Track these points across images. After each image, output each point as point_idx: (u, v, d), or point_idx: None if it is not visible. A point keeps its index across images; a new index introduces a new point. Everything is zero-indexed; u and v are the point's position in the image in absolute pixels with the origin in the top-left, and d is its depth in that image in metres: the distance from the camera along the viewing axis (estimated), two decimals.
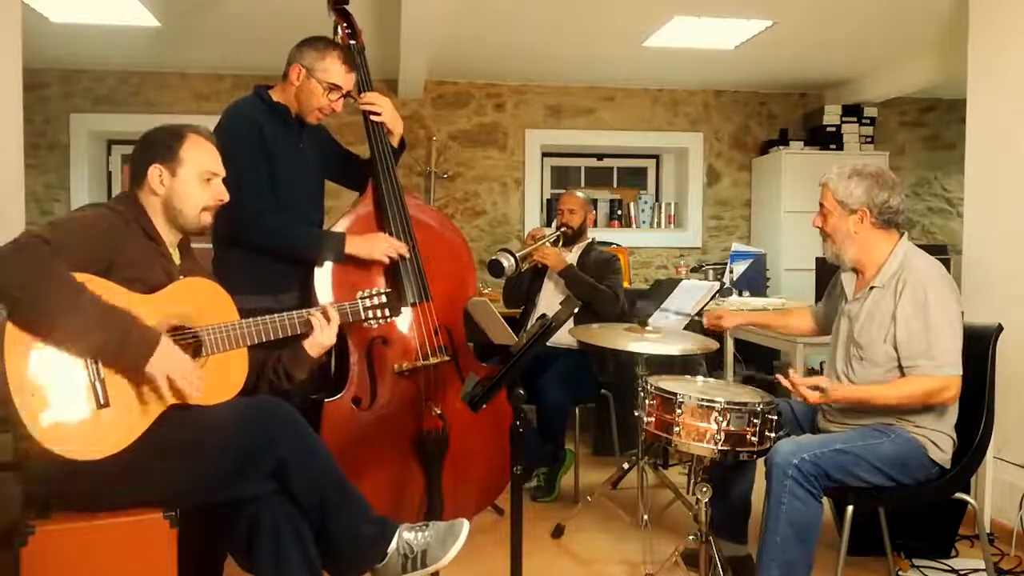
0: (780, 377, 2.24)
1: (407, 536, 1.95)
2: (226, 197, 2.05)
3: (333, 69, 2.56)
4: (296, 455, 1.88)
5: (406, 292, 2.66)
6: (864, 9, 4.03)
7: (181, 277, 1.97)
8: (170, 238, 2.00)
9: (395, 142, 2.80)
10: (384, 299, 2.20)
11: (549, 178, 6.08)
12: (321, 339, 2.10)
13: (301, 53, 2.58)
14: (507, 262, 3.29)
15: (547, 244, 3.60)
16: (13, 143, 2.89)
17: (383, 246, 2.62)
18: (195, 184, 1.98)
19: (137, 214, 1.94)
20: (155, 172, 1.95)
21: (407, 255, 2.66)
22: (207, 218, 2.02)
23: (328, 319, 2.11)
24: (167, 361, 1.77)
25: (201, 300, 1.96)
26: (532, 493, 3.53)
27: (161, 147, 1.97)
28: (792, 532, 2.15)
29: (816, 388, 2.20)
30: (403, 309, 2.66)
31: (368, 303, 2.18)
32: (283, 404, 1.95)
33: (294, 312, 2.07)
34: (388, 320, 2.21)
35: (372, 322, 2.20)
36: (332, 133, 2.93)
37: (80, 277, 1.71)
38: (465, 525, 1.96)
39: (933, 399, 2.22)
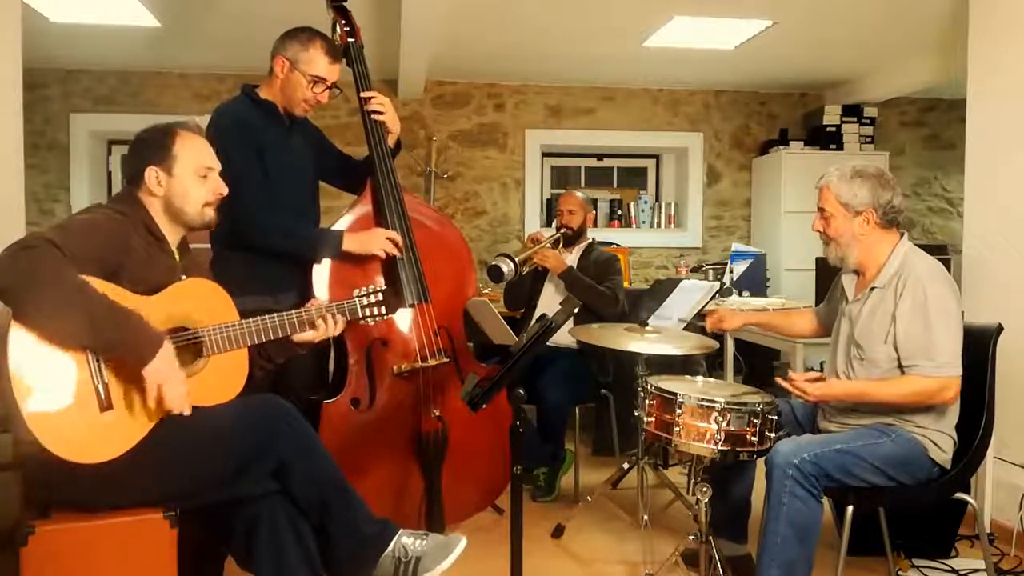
0: (780, 380, 2.25)
1: (405, 540, 1.95)
2: (225, 191, 2.05)
3: (317, 61, 2.55)
4: (297, 455, 1.88)
5: (405, 293, 2.65)
6: (864, 9, 4.03)
7: (183, 276, 1.98)
8: (173, 237, 2.01)
9: (392, 142, 2.79)
10: (381, 297, 2.18)
11: (549, 178, 6.08)
12: (314, 338, 2.10)
13: (284, 45, 2.56)
14: (506, 267, 3.28)
15: (547, 247, 3.60)
16: (13, 143, 2.89)
17: (380, 241, 2.60)
18: (192, 181, 1.98)
19: (141, 215, 1.94)
20: (151, 174, 1.95)
21: (401, 252, 2.64)
22: (210, 213, 2.02)
23: (329, 322, 2.10)
24: (164, 368, 1.75)
25: (202, 301, 1.96)
26: (532, 493, 3.53)
27: (154, 147, 1.97)
28: (792, 532, 2.15)
29: (816, 380, 2.22)
30: (403, 310, 2.66)
31: (365, 301, 2.17)
32: (284, 404, 1.95)
33: (294, 312, 2.06)
34: (384, 318, 2.20)
35: (369, 320, 2.18)
36: (332, 134, 2.93)
37: (84, 279, 1.70)
38: (462, 542, 1.96)
39: (932, 399, 2.21)
